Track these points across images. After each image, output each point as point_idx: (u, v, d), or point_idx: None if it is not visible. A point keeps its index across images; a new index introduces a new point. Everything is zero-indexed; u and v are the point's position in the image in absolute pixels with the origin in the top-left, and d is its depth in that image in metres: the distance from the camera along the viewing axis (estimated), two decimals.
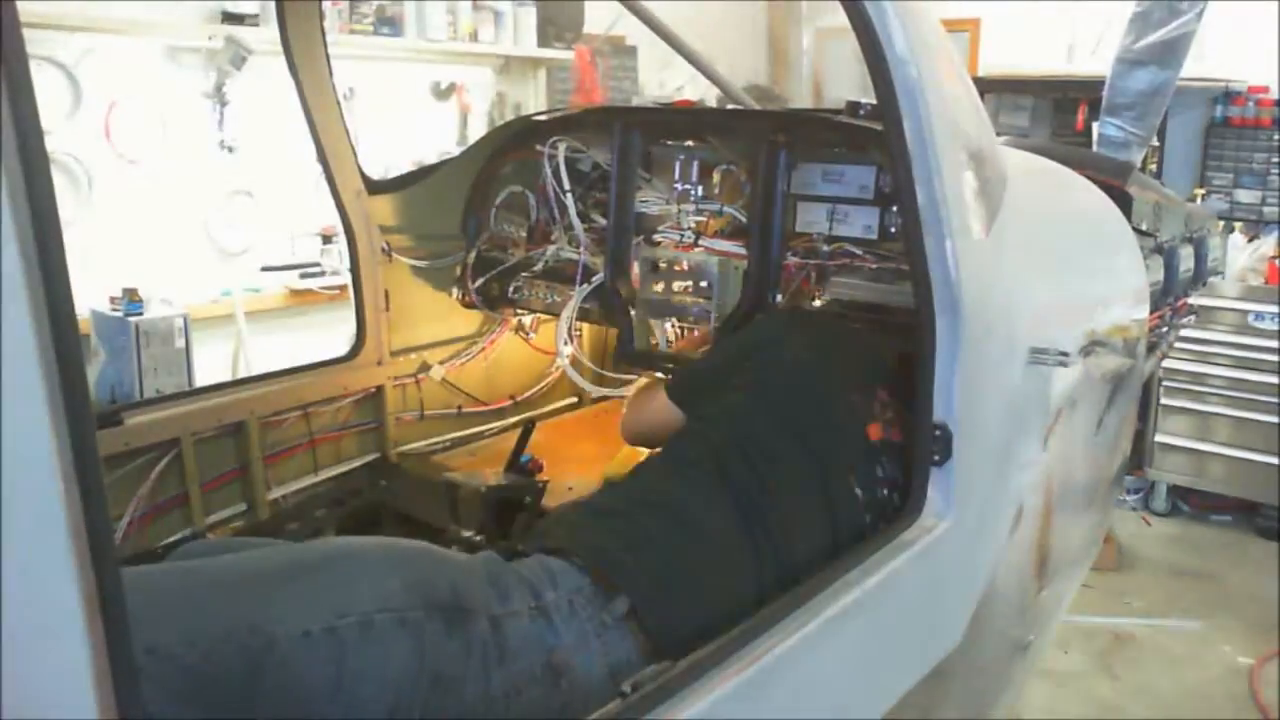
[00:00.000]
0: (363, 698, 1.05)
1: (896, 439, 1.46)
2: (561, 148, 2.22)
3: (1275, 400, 4.48)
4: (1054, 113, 5.53)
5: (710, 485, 1.35)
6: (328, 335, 3.29)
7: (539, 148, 2.25)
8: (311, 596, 1.09)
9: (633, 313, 2.13)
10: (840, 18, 1.28)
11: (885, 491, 1.43)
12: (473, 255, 2.37)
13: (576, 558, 1.25)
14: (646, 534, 1.29)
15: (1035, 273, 1.67)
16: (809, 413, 1.46)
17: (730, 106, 2.55)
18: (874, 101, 1.38)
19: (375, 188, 2.24)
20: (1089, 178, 2.27)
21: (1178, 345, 3.32)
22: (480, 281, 2.34)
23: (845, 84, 6.17)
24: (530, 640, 1.16)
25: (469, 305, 2.38)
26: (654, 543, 1.28)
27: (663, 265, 2.06)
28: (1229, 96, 5.21)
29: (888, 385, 1.51)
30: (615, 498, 1.42)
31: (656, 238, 2.15)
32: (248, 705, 1.01)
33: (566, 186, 2.21)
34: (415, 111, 4.75)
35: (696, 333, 2.10)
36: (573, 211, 2.21)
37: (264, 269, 4.18)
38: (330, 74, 2.08)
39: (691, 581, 1.26)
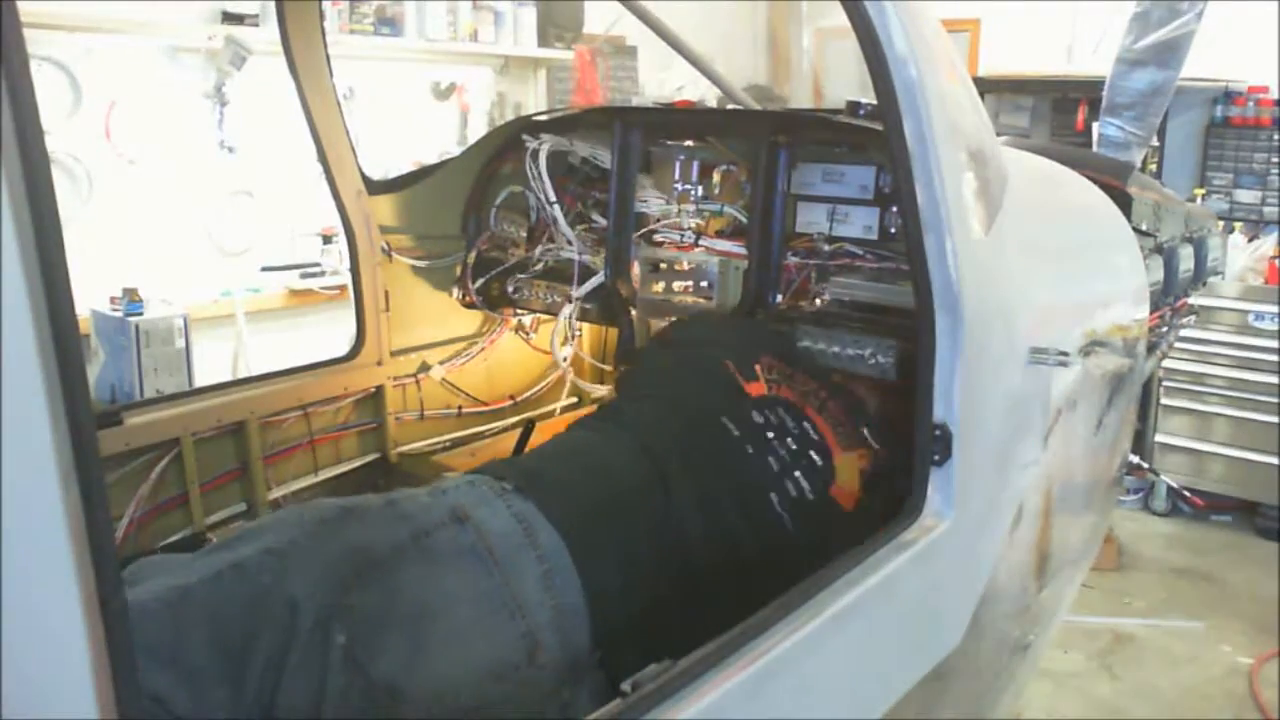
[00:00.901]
0: (291, 606, 1.10)
1: (786, 395, 1.60)
2: (543, 156, 2.19)
3: (1275, 400, 4.48)
4: (1054, 113, 5.53)
5: (606, 429, 1.55)
6: (328, 335, 3.29)
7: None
8: (214, 556, 1.18)
9: (633, 313, 2.13)
10: (840, 18, 1.28)
11: (771, 435, 1.52)
12: (473, 255, 2.37)
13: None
14: (537, 453, 1.53)
15: (1035, 273, 1.67)
16: (683, 378, 1.67)
17: (730, 106, 2.55)
18: (874, 101, 1.38)
19: (375, 188, 2.24)
20: (1089, 178, 2.27)
21: (1178, 345, 3.32)
22: (480, 281, 2.34)
23: (845, 84, 6.17)
24: (427, 506, 1.28)
25: (469, 305, 2.38)
26: (540, 455, 1.51)
27: (663, 265, 2.07)
28: (1229, 96, 5.22)
29: (771, 354, 1.67)
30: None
31: (657, 238, 2.15)
32: (183, 653, 1.07)
33: (553, 198, 2.21)
34: (415, 111, 4.75)
35: None
36: (563, 223, 2.20)
37: (264, 269, 4.18)
38: (330, 74, 2.08)
39: (571, 469, 1.42)
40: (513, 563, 1.23)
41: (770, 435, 1.51)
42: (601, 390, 2.50)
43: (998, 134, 1.80)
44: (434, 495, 1.31)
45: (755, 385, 1.60)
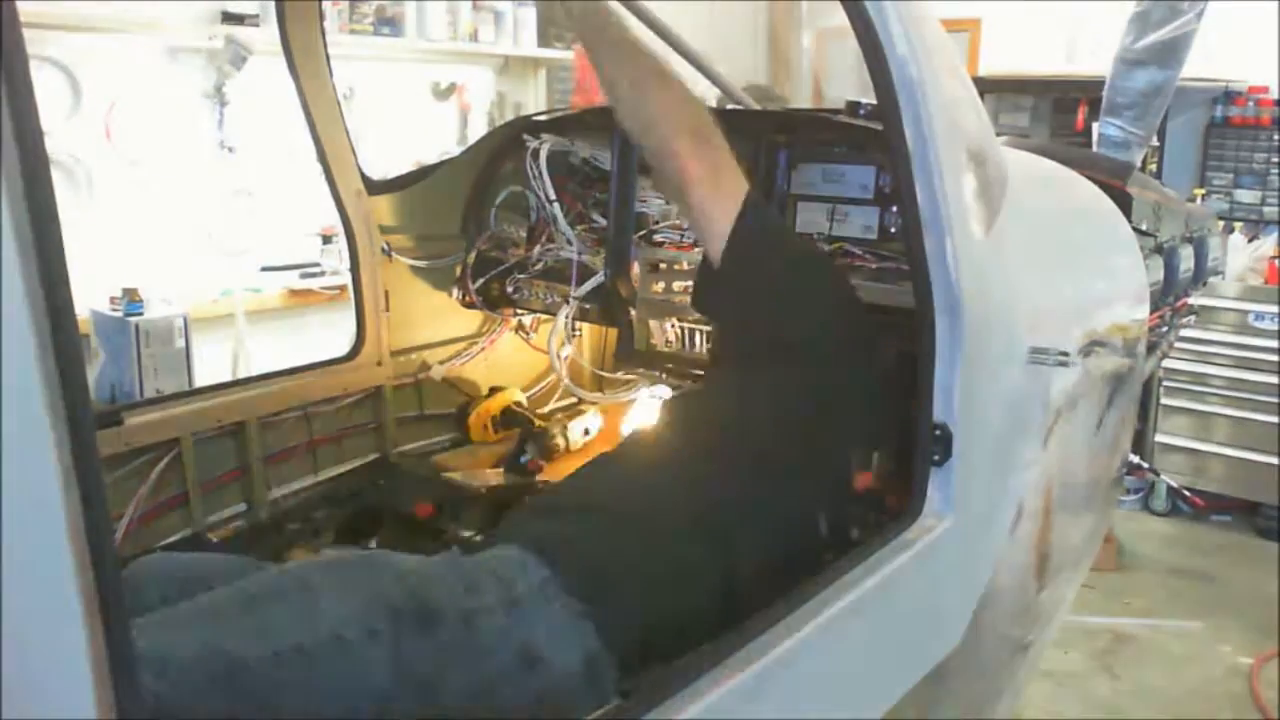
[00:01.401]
0: (342, 713, 1.05)
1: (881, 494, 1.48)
2: (543, 156, 2.19)
3: (1275, 400, 4.48)
4: (1054, 113, 5.53)
5: (674, 487, 1.36)
6: (328, 335, 3.29)
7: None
8: (275, 621, 1.08)
9: (633, 313, 2.13)
10: (840, 18, 1.28)
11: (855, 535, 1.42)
12: (473, 255, 2.36)
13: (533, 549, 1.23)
14: (592, 529, 1.29)
15: (1035, 273, 1.67)
16: (826, 430, 1.43)
17: (730, 106, 2.54)
18: (874, 101, 1.38)
19: (375, 188, 2.24)
20: (1089, 178, 2.27)
21: (1178, 345, 3.31)
22: (480, 281, 2.33)
23: (845, 84, 6.17)
24: (503, 634, 1.15)
25: (469, 305, 2.37)
26: (594, 538, 1.28)
27: (663, 265, 2.06)
28: (1229, 96, 5.21)
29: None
30: (580, 490, 1.43)
31: (657, 238, 2.15)
32: None
33: (553, 197, 2.21)
34: (415, 111, 4.75)
35: None
36: (563, 222, 2.20)
37: (264, 269, 4.18)
38: (330, 74, 2.08)
39: (634, 575, 1.25)
40: (568, 690, 1.16)
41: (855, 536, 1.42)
42: (603, 399, 2.49)
43: (998, 134, 1.80)
44: (510, 611, 1.16)
45: (865, 477, 1.48)
